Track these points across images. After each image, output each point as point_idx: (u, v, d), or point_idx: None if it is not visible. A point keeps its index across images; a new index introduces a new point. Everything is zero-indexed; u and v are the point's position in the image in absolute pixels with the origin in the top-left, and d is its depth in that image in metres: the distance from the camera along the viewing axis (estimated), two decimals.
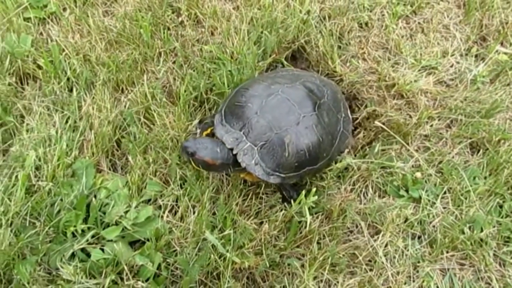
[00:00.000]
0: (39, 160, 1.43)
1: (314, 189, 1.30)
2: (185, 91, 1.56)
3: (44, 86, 1.61)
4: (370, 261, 1.33)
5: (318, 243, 1.32)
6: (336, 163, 1.45)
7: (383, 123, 1.53)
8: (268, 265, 1.26)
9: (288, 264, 1.30)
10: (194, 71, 1.65)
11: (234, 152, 1.33)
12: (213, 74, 1.60)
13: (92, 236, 1.32)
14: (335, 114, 1.46)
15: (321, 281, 1.28)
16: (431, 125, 1.59)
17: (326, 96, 1.47)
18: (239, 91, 1.46)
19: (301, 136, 1.34)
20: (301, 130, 1.35)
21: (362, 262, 1.29)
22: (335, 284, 1.28)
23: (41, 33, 1.77)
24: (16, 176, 1.39)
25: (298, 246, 1.33)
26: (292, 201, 1.36)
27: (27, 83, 1.65)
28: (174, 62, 1.71)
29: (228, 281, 1.22)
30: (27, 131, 1.52)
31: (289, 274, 1.30)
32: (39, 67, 1.66)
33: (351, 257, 1.33)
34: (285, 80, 1.48)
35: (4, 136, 1.53)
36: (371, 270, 1.30)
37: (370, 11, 1.89)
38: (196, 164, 1.33)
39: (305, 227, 1.33)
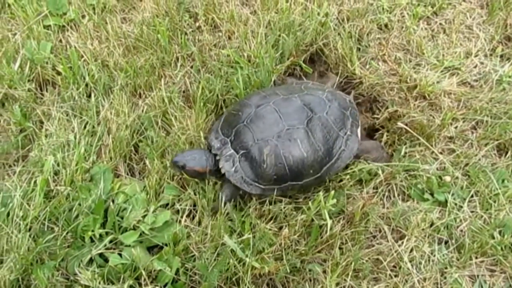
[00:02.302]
0: (58, 165, 1.43)
1: (332, 192, 1.26)
2: (201, 94, 1.55)
3: (63, 92, 1.62)
4: (394, 267, 1.28)
5: (340, 248, 1.28)
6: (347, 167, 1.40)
7: (406, 124, 1.49)
8: (288, 270, 1.22)
9: (310, 270, 1.25)
10: (211, 75, 1.63)
11: (218, 158, 1.36)
12: (230, 77, 1.58)
13: (110, 241, 1.30)
14: (334, 131, 1.38)
15: (344, 287, 1.24)
16: (456, 127, 1.54)
17: (325, 112, 1.39)
18: (240, 100, 1.48)
19: (282, 149, 1.31)
20: (283, 142, 1.31)
21: (386, 267, 1.24)
22: None
23: (60, 40, 1.79)
24: (35, 181, 1.39)
25: (319, 251, 1.29)
26: (216, 207, 1.34)
27: (46, 89, 1.66)
28: (191, 67, 1.70)
29: (248, 287, 1.19)
30: (45, 136, 1.52)
31: (310, 280, 1.26)
32: (58, 73, 1.67)
33: (374, 262, 1.28)
34: (285, 92, 1.45)
35: (23, 142, 1.53)
36: (396, 276, 1.25)
37: (390, 13, 1.86)
38: (188, 174, 1.37)
39: (326, 231, 1.29)
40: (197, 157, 1.38)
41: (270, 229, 1.28)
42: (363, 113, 1.68)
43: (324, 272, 1.25)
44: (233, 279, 1.23)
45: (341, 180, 1.40)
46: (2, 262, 1.25)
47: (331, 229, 1.27)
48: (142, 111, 1.57)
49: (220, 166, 1.35)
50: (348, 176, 1.40)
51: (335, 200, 1.26)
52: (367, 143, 1.49)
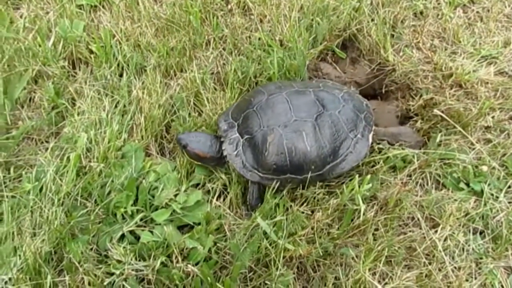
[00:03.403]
0: (90, 142, 1.43)
1: (368, 176, 1.24)
2: (234, 76, 1.54)
3: (95, 71, 1.62)
4: (428, 255, 1.25)
5: (372, 234, 1.26)
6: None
7: (442, 112, 1.46)
8: (321, 254, 1.21)
9: (342, 254, 1.24)
10: (244, 56, 1.62)
11: (222, 139, 1.35)
12: (263, 60, 1.57)
13: (141, 219, 1.30)
14: (344, 131, 1.33)
15: (375, 273, 1.22)
16: (493, 117, 1.51)
17: (337, 110, 1.35)
18: (256, 88, 1.47)
19: (285, 139, 1.28)
20: (288, 133, 1.29)
21: (421, 254, 1.22)
22: (391, 277, 1.22)
23: (92, 20, 1.79)
24: (68, 157, 1.40)
25: (351, 236, 1.27)
26: (249, 207, 1.34)
27: (79, 68, 1.67)
28: (223, 49, 1.69)
29: (280, 269, 1.18)
30: (78, 114, 1.53)
31: (341, 265, 1.25)
32: (91, 52, 1.67)
33: (407, 250, 1.26)
34: (301, 86, 1.42)
35: (56, 119, 1.54)
36: (429, 264, 1.23)
37: (425, 0, 1.82)
38: (189, 155, 1.38)
39: (359, 217, 1.27)
40: (202, 141, 1.37)
41: (303, 212, 1.27)
42: (396, 101, 1.65)
43: (356, 257, 1.23)
44: (265, 260, 1.23)
45: (374, 165, 1.38)
46: (35, 235, 1.26)
47: (364, 214, 1.25)
48: (175, 91, 1.57)
49: (223, 148, 1.35)
50: (381, 162, 1.37)
51: (370, 185, 1.24)
52: (401, 128, 1.47)
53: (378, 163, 1.37)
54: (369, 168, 1.38)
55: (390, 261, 1.24)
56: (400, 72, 1.65)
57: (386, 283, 1.20)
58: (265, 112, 1.33)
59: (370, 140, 1.39)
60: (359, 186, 1.25)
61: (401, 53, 1.71)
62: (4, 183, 1.39)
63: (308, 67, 1.63)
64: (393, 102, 1.65)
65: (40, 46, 1.64)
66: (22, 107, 1.59)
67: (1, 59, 1.59)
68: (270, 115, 1.32)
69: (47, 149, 1.45)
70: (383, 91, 1.68)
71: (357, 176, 1.25)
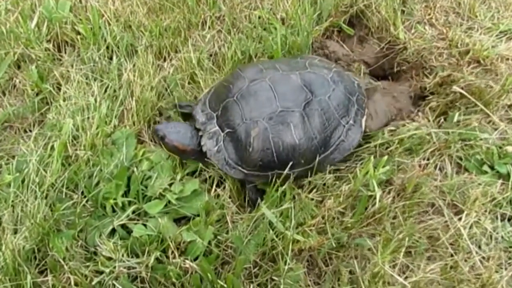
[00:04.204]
0: (77, 130, 1.31)
1: (385, 158, 1.11)
2: (232, 56, 1.42)
3: (83, 53, 1.50)
4: (452, 244, 1.13)
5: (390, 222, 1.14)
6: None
7: (462, 88, 1.33)
8: (334, 245, 1.08)
9: (356, 245, 1.12)
10: (243, 35, 1.50)
11: (200, 133, 1.23)
12: (264, 38, 1.44)
13: (133, 212, 1.18)
14: (335, 119, 1.21)
15: (395, 266, 1.10)
16: None
17: (327, 95, 1.21)
18: (234, 71, 1.31)
19: (271, 133, 1.15)
20: (274, 126, 1.15)
21: (446, 244, 1.10)
22: (411, 269, 1.09)
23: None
24: (52, 146, 1.27)
25: (365, 225, 1.15)
26: (253, 205, 1.21)
27: (65, 51, 1.54)
28: (220, 30, 1.56)
29: (288, 263, 1.05)
30: (64, 100, 1.40)
31: (356, 257, 1.12)
32: (78, 33, 1.55)
33: (428, 239, 1.14)
34: (286, 67, 1.27)
35: (40, 105, 1.42)
36: (454, 254, 1.11)
37: None
38: (167, 148, 1.25)
39: (373, 204, 1.15)
40: (182, 132, 1.24)
41: (312, 199, 1.15)
42: (408, 81, 1.53)
43: (373, 248, 1.11)
44: (271, 253, 1.10)
45: (388, 147, 1.26)
46: (16, 232, 1.14)
47: (380, 200, 1.13)
48: (168, 73, 1.45)
49: (202, 143, 1.21)
50: (396, 143, 1.25)
51: (387, 168, 1.12)
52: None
53: (393, 143, 1.25)
54: (383, 150, 1.25)
55: (410, 252, 1.12)
56: (412, 50, 1.53)
57: (406, 277, 1.08)
58: (247, 102, 1.18)
59: (363, 126, 1.26)
60: (374, 170, 1.12)
61: (412, 30, 1.59)
62: None
63: (313, 45, 1.51)
64: (405, 82, 1.53)
65: (22, 27, 1.52)
66: (4, 94, 1.46)
67: None
68: (253, 106, 1.18)
69: (30, 137, 1.32)
70: (395, 70, 1.56)
71: (372, 157, 1.12)
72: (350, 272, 1.10)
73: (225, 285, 1.02)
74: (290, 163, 1.15)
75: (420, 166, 1.21)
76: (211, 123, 1.23)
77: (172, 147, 1.24)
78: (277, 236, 1.09)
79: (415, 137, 1.24)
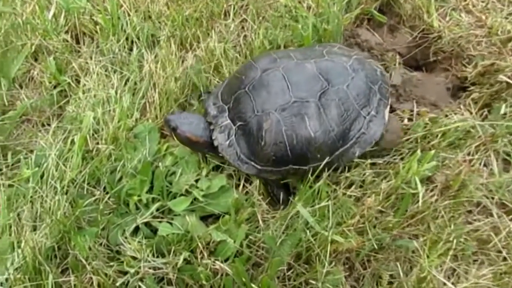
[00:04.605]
0: (97, 123, 1.25)
1: (432, 152, 1.03)
2: (260, 45, 1.34)
3: (102, 44, 1.44)
4: (504, 247, 1.04)
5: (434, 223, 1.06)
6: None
7: (509, 77, 1.24)
8: (376, 247, 1.00)
9: (399, 247, 1.03)
10: (269, 23, 1.42)
11: (212, 127, 1.16)
12: (293, 26, 1.36)
13: (157, 209, 1.12)
14: (355, 109, 1.12)
15: (441, 270, 1.01)
16: None
17: (346, 84, 1.13)
18: (247, 61, 1.24)
19: (284, 125, 1.07)
20: (287, 118, 1.07)
21: (498, 246, 1.01)
22: (458, 274, 1.01)
23: None
24: (72, 140, 1.21)
25: (407, 226, 1.07)
26: (278, 202, 1.14)
27: (83, 42, 1.48)
28: (245, 19, 1.49)
29: (326, 266, 0.98)
30: (83, 92, 1.34)
31: (397, 260, 1.04)
32: (96, 24, 1.48)
33: (475, 241, 1.06)
34: (301, 55, 1.18)
35: (58, 99, 1.36)
36: (508, 257, 1.02)
37: None
38: (179, 139, 1.18)
39: (415, 202, 1.07)
40: (194, 123, 1.18)
41: (350, 196, 1.07)
42: (444, 72, 1.44)
43: (418, 250, 1.03)
44: (306, 255, 1.03)
45: (429, 141, 1.17)
46: (35, 229, 1.08)
47: (423, 199, 1.05)
48: (191, 65, 1.38)
49: (213, 137, 1.15)
50: (439, 136, 1.16)
51: (433, 163, 1.03)
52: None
53: (436, 137, 1.16)
54: (424, 144, 1.17)
55: (456, 255, 1.04)
56: (447, 39, 1.44)
57: (453, 282, 1.00)
58: (258, 93, 1.11)
59: (387, 117, 1.17)
60: (418, 165, 1.04)
61: (447, 18, 1.50)
62: (0, 170, 1.21)
63: (344, 34, 1.42)
64: (441, 73, 1.45)
65: (39, 18, 1.46)
66: (21, 86, 1.41)
67: None
68: (265, 97, 1.10)
69: (48, 131, 1.27)
70: (429, 61, 1.47)
71: (418, 151, 1.04)
72: (391, 276, 1.02)
73: None
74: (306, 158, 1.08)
75: (465, 161, 1.12)
76: (222, 116, 1.16)
77: (184, 139, 1.17)
78: (312, 236, 1.02)
79: (459, 130, 1.15)
